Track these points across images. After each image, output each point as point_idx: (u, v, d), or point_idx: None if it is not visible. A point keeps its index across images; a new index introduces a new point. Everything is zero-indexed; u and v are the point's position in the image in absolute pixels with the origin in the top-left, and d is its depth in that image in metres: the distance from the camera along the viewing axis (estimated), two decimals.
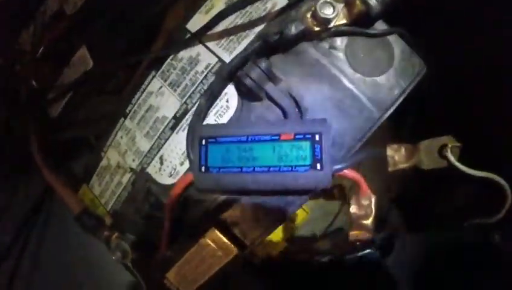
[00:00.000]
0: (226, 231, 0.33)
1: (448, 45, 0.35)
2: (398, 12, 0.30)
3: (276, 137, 0.28)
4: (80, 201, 0.40)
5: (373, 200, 0.31)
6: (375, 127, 0.31)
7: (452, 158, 0.31)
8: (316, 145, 0.27)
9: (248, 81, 0.29)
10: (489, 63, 0.36)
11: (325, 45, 0.31)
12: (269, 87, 0.30)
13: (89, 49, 0.40)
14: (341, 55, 0.31)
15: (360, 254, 0.44)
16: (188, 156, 0.30)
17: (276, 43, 0.29)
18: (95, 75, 0.39)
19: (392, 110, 0.32)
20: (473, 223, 0.36)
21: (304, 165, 0.27)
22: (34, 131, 0.44)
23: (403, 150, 0.32)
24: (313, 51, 0.31)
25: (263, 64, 0.29)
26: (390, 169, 0.32)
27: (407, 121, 0.36)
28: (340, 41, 0.31)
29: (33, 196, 0.47)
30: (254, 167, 0.28)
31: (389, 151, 0.31)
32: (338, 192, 0.44)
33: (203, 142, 0.29)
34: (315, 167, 0.27)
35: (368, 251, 0.44)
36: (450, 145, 0.31)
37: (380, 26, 0.32)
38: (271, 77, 0.29)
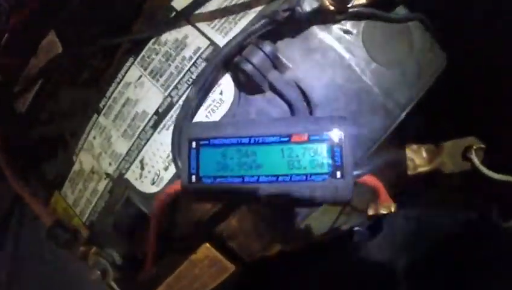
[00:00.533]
0: (221, 245, 0.23)
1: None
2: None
3: (286, 138, 0.17)
4: (51, 212, 0.28)
5: (393, 209, 0.23)
6: (394, 127, 0.22)
7: (477, 161, 0.23)
8: (335, 149, 0.18)
9: (249, 68, 0.19)
10: (489, 63, 0.29)
11: (339, 29, 0.21)
12: (274, 76, 0.19)
13: (59, 35, 0.28)
14: (357, 41, 0.21)
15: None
16: (175, 162, 0.20)
17: (284, 23, 0.19)
18: (65, 61, 0.27)
19: (410, 107, 0.24)
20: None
21: (321, 174, 0.17)
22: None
23: (423, 151, 0.22)
24: (325, 35, 0.20)
25: (267, 47, 0.19)
26: (409, 173, 0.23)
27: (414, 120, 0.28)
28: (356, 26, 0.21)
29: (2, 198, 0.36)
30: (259, 177, 0.17)
31: (409, 153, 0.22)
32: None
33: (193, 144, 0.18)
34: (334, 176, 0.17)
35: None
36: (474, 147, 0.24)
37: (400, 11, 0.22)
38: (276, 64, 0.19)
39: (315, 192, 0.18)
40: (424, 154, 0.23)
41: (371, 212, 0.22)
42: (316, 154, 0.18)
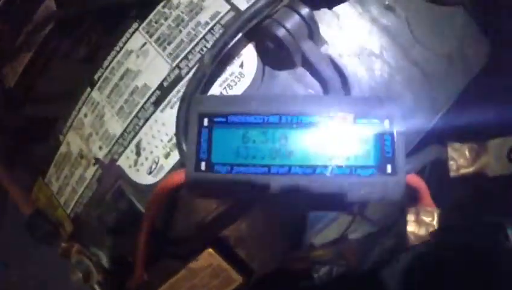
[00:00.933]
0: (227, 252, 0.16)
1: None
2: None
3: (328, 120, 0.12)
4: (33, 201, 0.21)
5: (436, 215, 0.18)
6: (435, 119, 0.17)
7: None
8: (385, 137, 0.12)
9: (281, 33, 0.13)
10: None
11: (381, 4, 0.15)
12: (309, 47, 0.14)
13: (57, 1, 0.21)
14: (401, 20, 0.15)
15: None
16: (179, 145, 0.13)
17: None
18: (60, 21, 0.20)
19: (455, 98, 0.19)
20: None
21: (368, 167, 0.12)
22: None
23: (466, 150, 0.17)
24: (368, 10, 0.15)
25: (305, 10, 0.13)
26: (452, 174, 0.18)
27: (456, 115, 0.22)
28: (399, 3, 0.15)
29: None
30: (290, 167, 0.12)
31: (451, 152, 0.16)
32: None
33: (205, 122, 0.12)
34: (384, 171, 0.12)
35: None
36: None
37: None
38: (314, 33, 0.13)
39: (360, 189, 0.12)
40: (467, 153, 0.17)
41: (411, 218, 0.16)
42: (362, 142, 0.13)
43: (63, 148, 0.19)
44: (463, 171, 0.17)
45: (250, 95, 0.13)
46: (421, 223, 0.15)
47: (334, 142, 0.12)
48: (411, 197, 0.16)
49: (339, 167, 0.12)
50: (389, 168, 0.12)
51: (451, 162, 0.17)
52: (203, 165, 0.12)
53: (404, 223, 0.17)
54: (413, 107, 0.15)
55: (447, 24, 0.17)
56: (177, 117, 0.13)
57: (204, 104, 0.12)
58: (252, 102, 0.12)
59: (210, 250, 0.16)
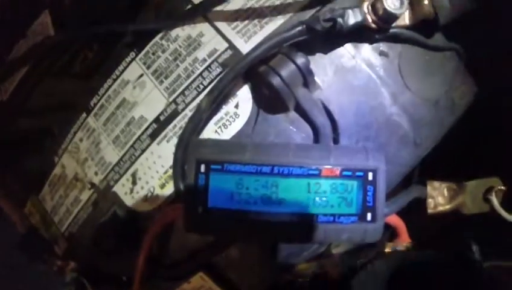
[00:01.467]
0: (218, 275, 0.17)
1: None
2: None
3: (316, 172, 0.13)
4: (26, 218, 0.21)
5: (409, 246, 0.19)
6: (418, 162, 0.18)
7: (496, 203, 0.20)
8: (368, 187, 0.13)
9: (276, 81, 0.14)
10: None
11: (374, 49, 0.16)
12: (302, 94, 0.15)
13: (53, 17, 0.21)
14: (393, 66, 0.16)
15: None
16: (176, 184, 0.14)
17: (321, 34, 0.14)
18: (55, 45, 0.21)
19: (438, 142, 0.19)
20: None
21: (350, 215, 0.13)
22: None
23: (445, 189, 0.18)
24: (361, 55, 0.16)
25: (301, 59, 0.14)
26: (429, 211, 0.19)
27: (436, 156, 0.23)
28: (393, 49, 0.16)
29: None
30: (280, 214, 0.13)
31: (430, 191, 0.18)
32: None
33: (202, 168, 0.13)
34: (364, 218, 0.13)
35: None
36: (496, 188, 0.21)
37: (437, 38, 0.17)
38: (308, 81, 0.14)
39: (342, 235, 0.14)
40: (446, 192, 0.19)
41: (387, 249, 0.18)
42: (346, 192, 0.14)
43: (57, 170, 0.20)
44: (440, 208, 0.19)
45: (244, 143, 0.14)
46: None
47: (320, 192, 0.13)
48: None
49: (324, 215, 0.13)
50: (369, 216, 0.14)
51: (429, 200, 0.18)
52: (200, 209, 0.13)
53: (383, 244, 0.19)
54: (397, 152, 0.17)
55: (438, 69, 0.18)
56: (175, 158, 0.14)
57: (201, 150, 0.13)
58: (247, 152, 0.13)
59: (202, 273, 0.18)
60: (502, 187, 0.19)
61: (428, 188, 0.18)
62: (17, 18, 0.23)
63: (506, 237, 0.20)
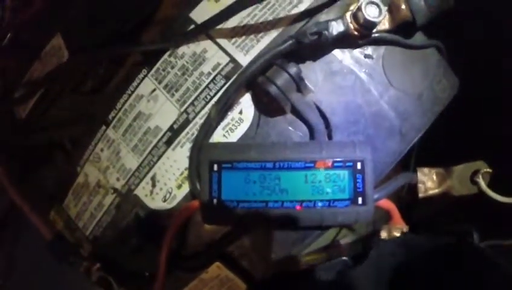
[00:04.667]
0: (232, 264, 0.22)
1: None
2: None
3: (311, 164, 0.17)
4: (52, 226, 0.26)
5: (405, 230, 0.23)
6: (406, 151, 0.22)
7: (483, 184, 0.24)
8: (357, 176, 0.17)
9: (272, 89, 0.18)
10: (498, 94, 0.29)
11: (360, 53, 0.20)
12: (296, 98, 0.19)
13: (65, 39, 0.25)
14: (377, 66, 0.20)
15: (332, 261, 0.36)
16: (192, 183, 0.19)
17: (309, 46, 0.18)
18: (70, 69, 0.26)
19: (424, 131, 0.24)
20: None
21: (343, 200, 0.17)
22: None
23: (434, 175, 0.23)
24: (346, 59, 0.20)
25: (292, 69, 0.18)
26: (420, 195, 0.23)
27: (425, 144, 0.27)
28: (376, 51, 0.21)
29: None
30: (283, 202, 0.17)
31: (420, 176, 0.22)
32: None
33: (215, 167, 0.17)
34: (356, 202, 0.17)
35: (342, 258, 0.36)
36: (482, 171, 0.24)
37: (418, 37, 0.22)
38: (301, 86, 0.19)
39: (337, 217, 0.18)
40: (435, 177, 0.23)
41: (384, 234, 0.22)
42: (338, 181, 0.18)
43: (80, 179, 0.24)
44: (431, 192, 0.23)
45: (249, 144, 0.18)
46: (392, 237, 0.21)
47: (316, 182, 0.18)
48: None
49: (321, 200, 0.18)
50: (360, 200, 0.18)
51: (420, 185, 0.22)
52: (215, 202, 0.17)
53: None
54: (385, 143, 0.21)
55: (419, 65, 0.22)
56: (190, 161, 0.19)
57: (213, 152, 0.18)
58: (252, 151, 0.18)
59: (218, 263, 0.22)
60: (488, 170, 0.23)
61: (419, 174, 0.22)
62: (32, 41, 0.27)
63: (496, 217, 0.24)
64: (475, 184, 0.23)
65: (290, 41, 0.18)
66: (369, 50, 0.21)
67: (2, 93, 0.27)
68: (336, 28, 0.19)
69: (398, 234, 0.21)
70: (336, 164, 0.18)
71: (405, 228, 0.22)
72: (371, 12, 0.19)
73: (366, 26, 0.20)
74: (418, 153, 0.26)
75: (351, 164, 0.18)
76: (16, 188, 0.26)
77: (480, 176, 0.23)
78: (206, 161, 0.18)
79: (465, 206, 0.27)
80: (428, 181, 0.23)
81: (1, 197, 0.29)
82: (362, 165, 0.18)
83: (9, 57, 0.27)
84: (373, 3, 0.19)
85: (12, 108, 0.28)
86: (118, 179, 0.23)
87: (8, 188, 0.26)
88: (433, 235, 0.29)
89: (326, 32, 0.18)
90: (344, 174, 0.18)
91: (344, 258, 0.35)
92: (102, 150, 0.23)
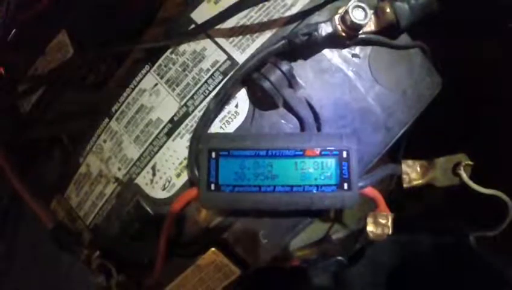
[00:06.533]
0: (227, 250, 0.25)
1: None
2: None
3: (300, 152, 0.20)
4: (53, 215, 0.29)
5: (390, 218, 0.26)
6: (392, 143, 0.25)
7: (465, 176, 0.26)
8: (343, 163, 0.20)
9: (266, 85, 0.21)
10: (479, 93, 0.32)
11: (347, 52, 0.24)
12: (288, 93, 0.22)
13: (70, 35, 0.28)
14: (364, 64, 0.24)
15: (328, 261, 0.38)
16: (191, 170, 0.22)
17: (300, 45, 0.21)
18: (74, 65, 0.28)
19: (408, 126, 0.27)
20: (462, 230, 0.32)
21: (330, 185, 0.20)
22: (1, 128, 0.32)
23: (418, 166, 0.26)
24: (335, 58, 0.23)
25: (285, 66, 0.21)
26: (404, 186, 0.26)
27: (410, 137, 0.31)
28: (363, 51, 0.24)
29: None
30: (275, 187, 0.20)
31: (405, 168, 0.25)
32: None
33: (213, 155, 0.20)
34: (342, 187, 0.20)
35: (338, 258, 0.38)
36: (463, 163, 0.27)
37: (403, 38, 0.25)
38: (292, 83, 0.22)
39: (325, 201, 0.21)
40: (418, 169, 0.26)
41: (370, 227, 0.24)
42: (325, 168, 0.21)
43: (82, 169, 0.27)
44: (414, 183, 0.26)
45: (245, 135, 0.21)
46: (377, 224, 0.24)
47: (305, 169, 0.20)
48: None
49: (310, 185, 0.20)
50: (345, 186, 0.21)
51: (404, 176, 0.25)
52: (212, 186, 0.20)
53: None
54: (371, 136, 0.23)
55: (404, 64, 0.25)
56: (189, 150, 0.21)
57: (212, 141, 0.21)
58: (247, 140, 0.20)
59: (213, 249, 0.24)
60: (469, 162, 0.26)
61: (403, 166, 0.25)
62: (37, 37, 0.30)
63: (480, 209, 0.27)
64: (457, 176, 0.26)
65: (283, 41, 0.21)
66: (356, 50, 0.24)
67: (7, 88, 0.30)
68: (325, 29, 0.22)
69: (384, 221, 0.24)
70: (323, 152, 0.21)
71: (390, 216, 0.24)
72: (357, 15, 0.22)
73: (353, 28, 0.23)
74: (406, 146, 0.29)
75: (337, 152, 0.21)
76: (18, 177, 0.28)
77: (462, 168, 0.26)
78: (206, 148, 0.21)
79: (452, 201, 0.30)
80: (412, 172, 0.26)
81: (3, 187, 0.32)
82: (348, 154, 0.21)
83: (14, 52, 0.30)
84: (359, 7, 0.22)
85: (16, 102, 0.30)
86: (119, 169, 0.26)
87: (10, 178, 0.28)
88: (428, 235, 0.32)
89: (316, 33, 0.21)
90: (331, 162, 0.21)
91: (339, 258, 0.37)
92: (105, 141, 0.26)
